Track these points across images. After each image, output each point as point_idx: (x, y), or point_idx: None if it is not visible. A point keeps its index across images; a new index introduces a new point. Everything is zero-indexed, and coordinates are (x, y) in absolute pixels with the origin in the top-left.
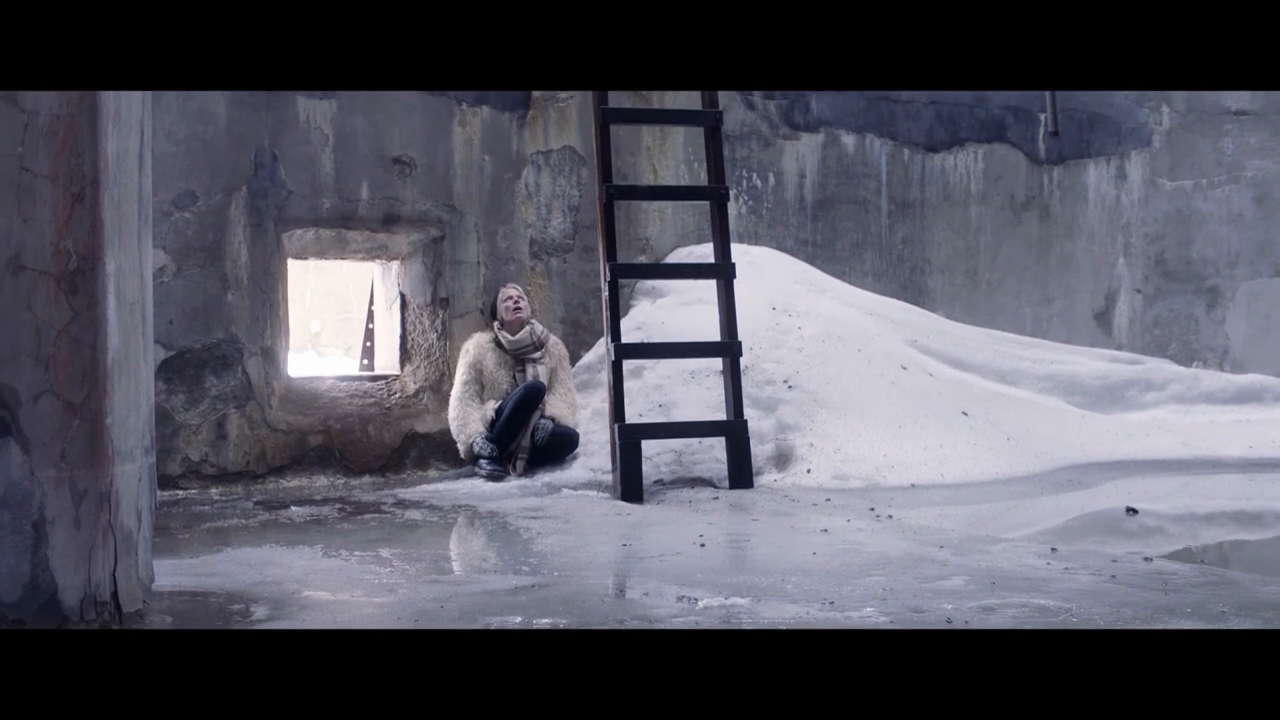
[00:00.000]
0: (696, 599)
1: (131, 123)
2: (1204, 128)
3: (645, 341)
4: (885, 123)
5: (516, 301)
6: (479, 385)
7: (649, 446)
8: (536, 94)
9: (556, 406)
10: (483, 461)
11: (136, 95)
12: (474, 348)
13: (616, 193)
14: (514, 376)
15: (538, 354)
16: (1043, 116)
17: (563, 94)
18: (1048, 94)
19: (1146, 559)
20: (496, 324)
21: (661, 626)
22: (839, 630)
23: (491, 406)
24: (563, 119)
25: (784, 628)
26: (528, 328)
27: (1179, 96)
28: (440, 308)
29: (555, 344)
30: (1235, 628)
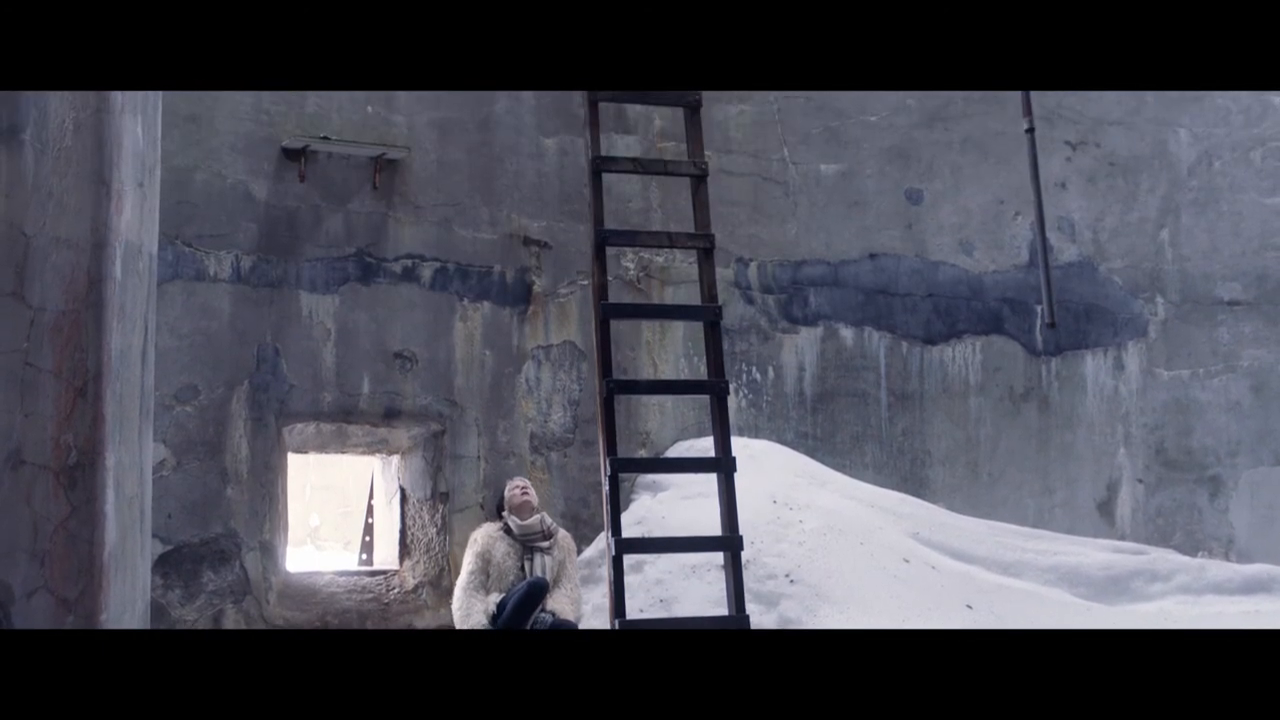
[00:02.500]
0: None
1: (136, 318)
2: (1198, 318)
3: (646, 536)
4: (883, 316)
5: (525, 489)
6: (485, 575)
7: None
8: (537, 289)
9: (560, 602)
10: None
11: (142, 291)
12: (482, 537)
13: (617, 387)
14: (523, 565)
15: (547, 544)
16: (1039, 308)
17: (563, 289)
18: (1043, 286)
19: None
20: (505, 512)
21: None
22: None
23: (494, 600)
24: (563, 314)
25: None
26: (538, 515)
27: (1172, 287)
28: (440, 502)
29: (565, 537)
30: None
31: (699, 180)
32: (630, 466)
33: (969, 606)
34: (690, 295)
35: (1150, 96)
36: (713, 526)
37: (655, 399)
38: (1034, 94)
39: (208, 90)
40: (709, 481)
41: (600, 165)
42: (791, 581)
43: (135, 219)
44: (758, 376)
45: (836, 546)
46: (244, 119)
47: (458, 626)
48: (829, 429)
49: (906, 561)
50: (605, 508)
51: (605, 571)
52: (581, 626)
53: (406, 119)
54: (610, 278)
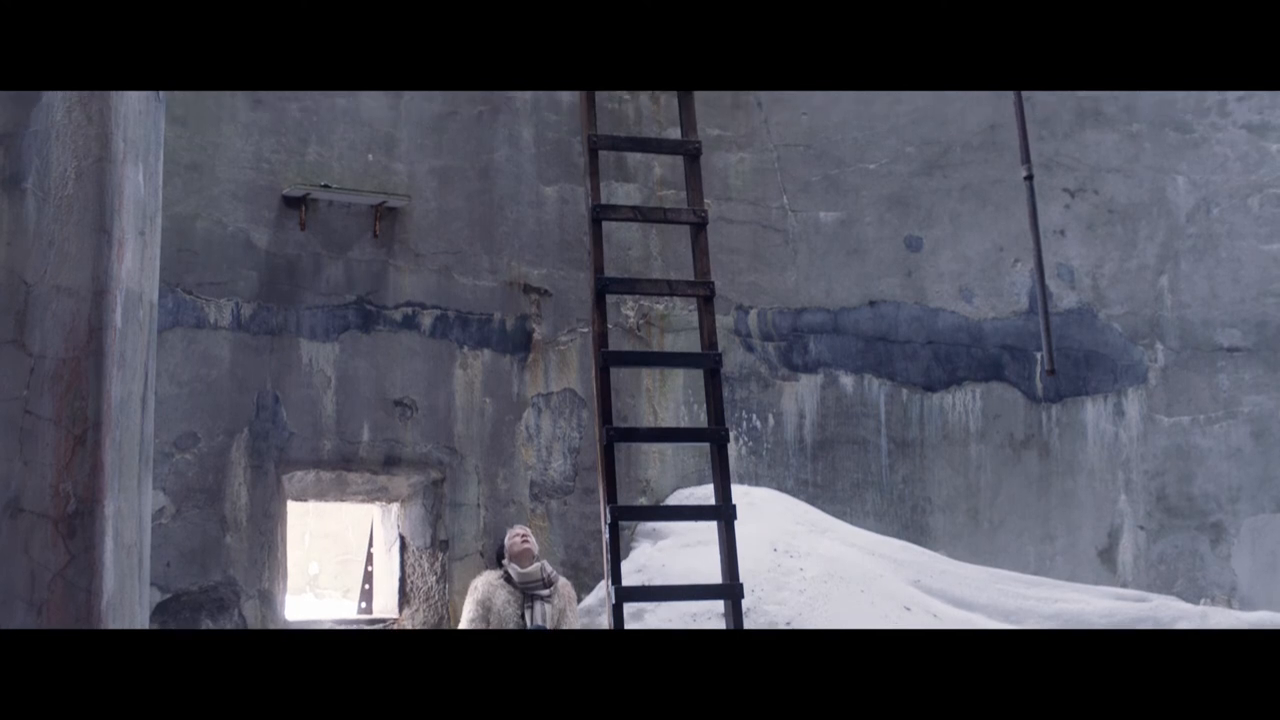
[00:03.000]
0: None
1: (136, 366)
2: (1198, 364)
3: (646, 584)
4: (883, 363)
5: (525, 537)
6: (485, 624)
7: None
8: (537, 337)
9: None
10: None
11: (143, 339)
12: (483, 585)
13: (617, 435)
14: (523, 614)
15: (547, 591)
16: (1039, 355)
17: (563, 337)
18: (1043, 333)
19: None
20: (506, 560)
21: None
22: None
23: None
24: (563, 362)
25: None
26: (539, 563)
27: (1172, 334)
28: (440, 550)
29: (565, 585)
30: None
31: (699, 228)
32: (630, 514)
33: None
34: (690, 343)
35: (1148, 143)
36: (713, 574)
37: (655, 447)
38: (1032, 141)
39: (205, 90)
40: (709, 529)
41: (600, 213)
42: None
43: (136, 267)
44: (758, 424)
45: (837, 594)
46: (245, 167)
47: None
48: (829, 476)
49: (908, 609)
50: (605, 555)
51: (606, 620)
52: None
53: (407, 167)
54: (610, 325)
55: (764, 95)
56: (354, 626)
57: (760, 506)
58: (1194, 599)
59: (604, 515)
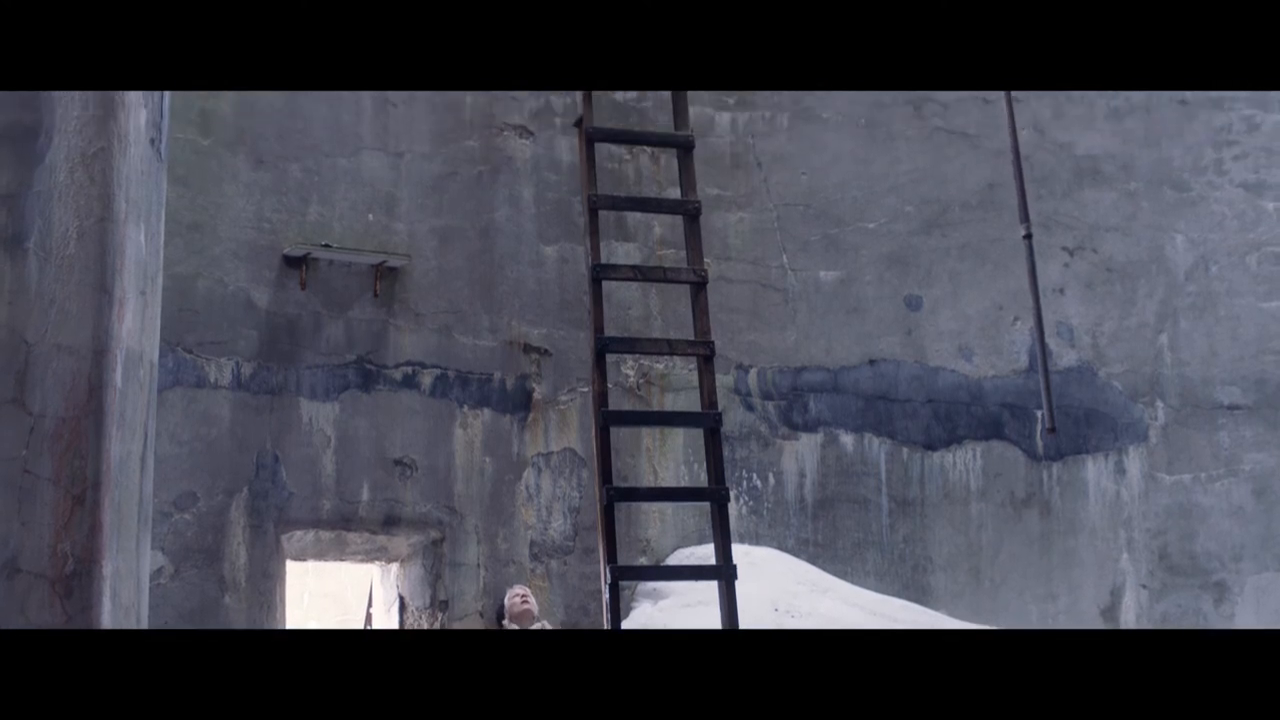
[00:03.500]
0: None
1: (136, 426)
2: (1199, 422)
3: None
4: (883, 422)
5: (525, 597)
6: None
7: None
8: (537, 397)
9: None
10: None
11: (143, 398)
12: None
13: (617, 494)
14: None
15: None
16: (1039, 413)
17: (563, 396)
18: (1043, 391)
19: None
20: (506, 621)
21: None
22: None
23: None
24: (563, 421)
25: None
26: (539, 623)
27: (1172, 392)
28: (439, 610)
29: None
30: None
31: (698, 287)
32: (631, 574)
33: None
34: (690, 402)
35: (1145, 202)
36: None
37: (655, 506)
38: (1030, 200)
39: (204, 90)
40: (710, 589)
41: (600, 273)
42: None
43: (136, 326)
44: (758, 483)
45: None
46: (246, 227)
47: None
48: (830, 535)
49: None
50: (605, 615)
51: None
52: None
53: (407, 227)
54: (610, 385)
55: (764, 155)
56: None
57: (761, 566)
58: None
59: (604, 575)
